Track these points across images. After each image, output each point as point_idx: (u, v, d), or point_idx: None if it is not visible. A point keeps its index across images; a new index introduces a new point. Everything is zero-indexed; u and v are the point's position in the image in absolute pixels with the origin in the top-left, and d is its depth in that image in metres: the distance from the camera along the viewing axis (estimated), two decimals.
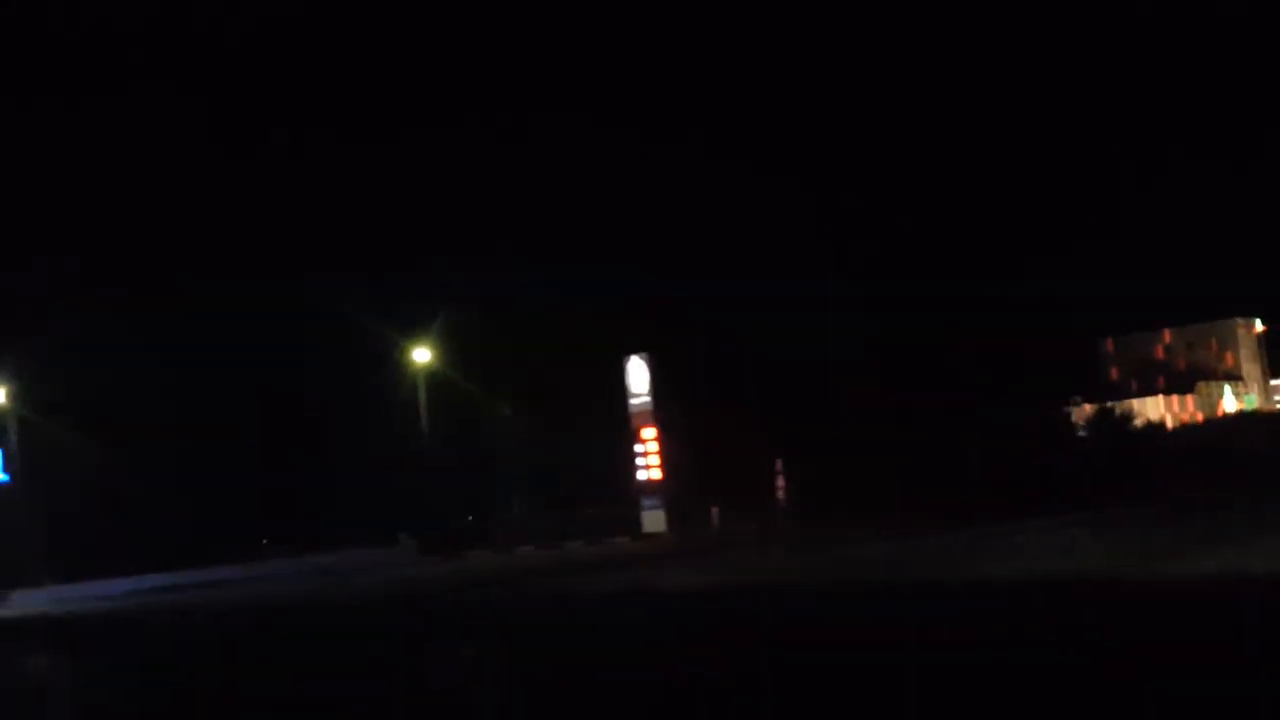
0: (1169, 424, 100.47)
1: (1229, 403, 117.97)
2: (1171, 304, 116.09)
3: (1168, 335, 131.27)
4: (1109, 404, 78.81)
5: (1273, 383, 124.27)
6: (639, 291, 38.02)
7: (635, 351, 35.80)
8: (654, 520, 35.10)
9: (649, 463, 35.60)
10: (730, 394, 37.16)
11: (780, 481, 36.45)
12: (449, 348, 33.67)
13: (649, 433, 35.51)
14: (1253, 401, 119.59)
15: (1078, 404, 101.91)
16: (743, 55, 67.99)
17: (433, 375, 33.75)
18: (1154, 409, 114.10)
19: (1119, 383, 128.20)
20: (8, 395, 46.86)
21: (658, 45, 61.44)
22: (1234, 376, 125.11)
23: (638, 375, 35.81)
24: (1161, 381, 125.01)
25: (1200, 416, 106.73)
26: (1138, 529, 27.76)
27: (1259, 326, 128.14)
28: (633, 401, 35.49)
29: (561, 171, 45.70)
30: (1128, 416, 73.19)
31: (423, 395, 33.70)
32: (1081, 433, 72.41)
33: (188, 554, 32.04)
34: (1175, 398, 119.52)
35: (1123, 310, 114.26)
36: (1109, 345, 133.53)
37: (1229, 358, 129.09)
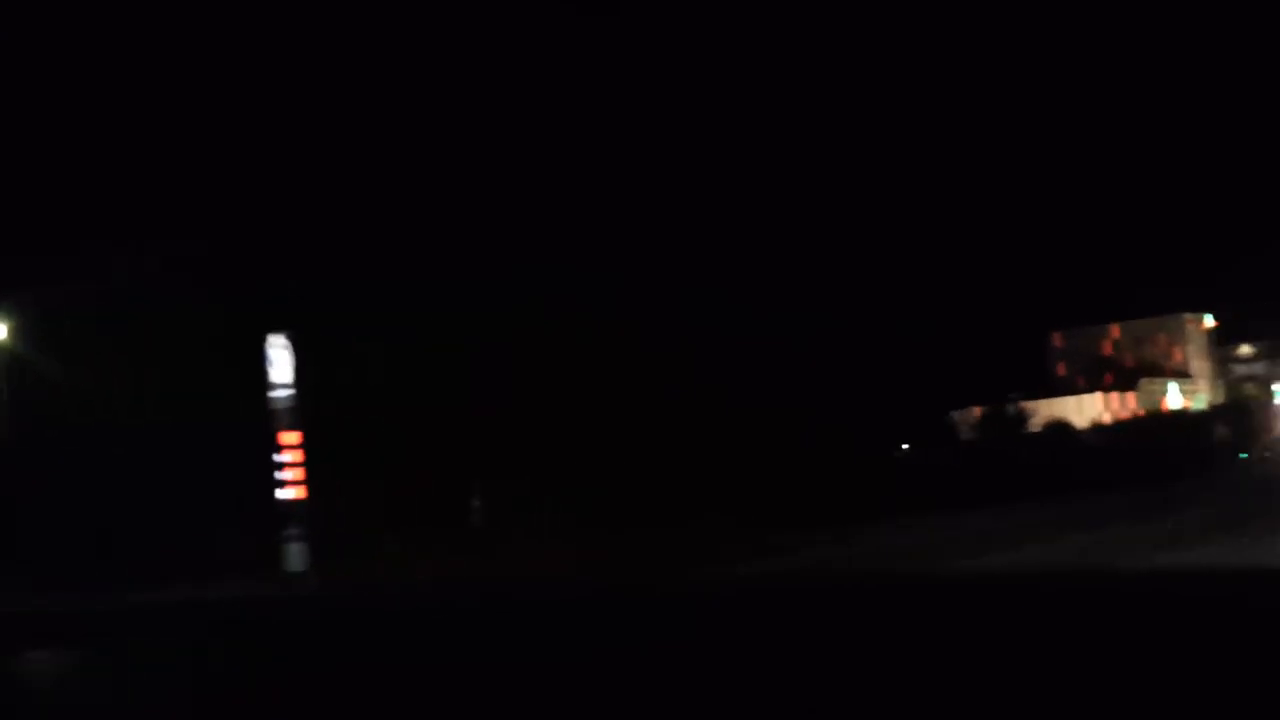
0: (1108, 421, 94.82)
1: (1174, 400, 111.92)
2: (1124, 298, 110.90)
3: (1115, 330, 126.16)
4: (1008, 404, 72.33)
5: None
6: (295, 261, 30.98)
7: (279, 330, 28.42)
8: (298, 555, 27.86)
9: (291, 478, 28.22)
10: (412, 388, 30.02)
11: (475, 503, 29.36)
12: (43, 330, 26.74)
13: (290, 438, 28.18)
14: (1202, 401, 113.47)
15: (1014, 401, 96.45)
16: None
17: (15, 363, 26.74)
18: (1091, 406, 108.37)
19: (1066, 378, 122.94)
20: None
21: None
22: (1182, 374, 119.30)
23: (280, 362, 28.51)
24: (1109, 378, 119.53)
25: (1142, 413, 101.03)
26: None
27: (1209, 322, 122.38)
28: (275, 397, 28.28)
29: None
30: (1021, 418, 66.70)
31: (3, 388, 26.73)
32: (970, 434, 66.01)
33: None
34: (1115, 395, 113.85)
35: (1073, 303, 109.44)
36: (1057, 340, 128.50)
37: (1177, 354, 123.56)
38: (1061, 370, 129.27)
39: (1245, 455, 77.04)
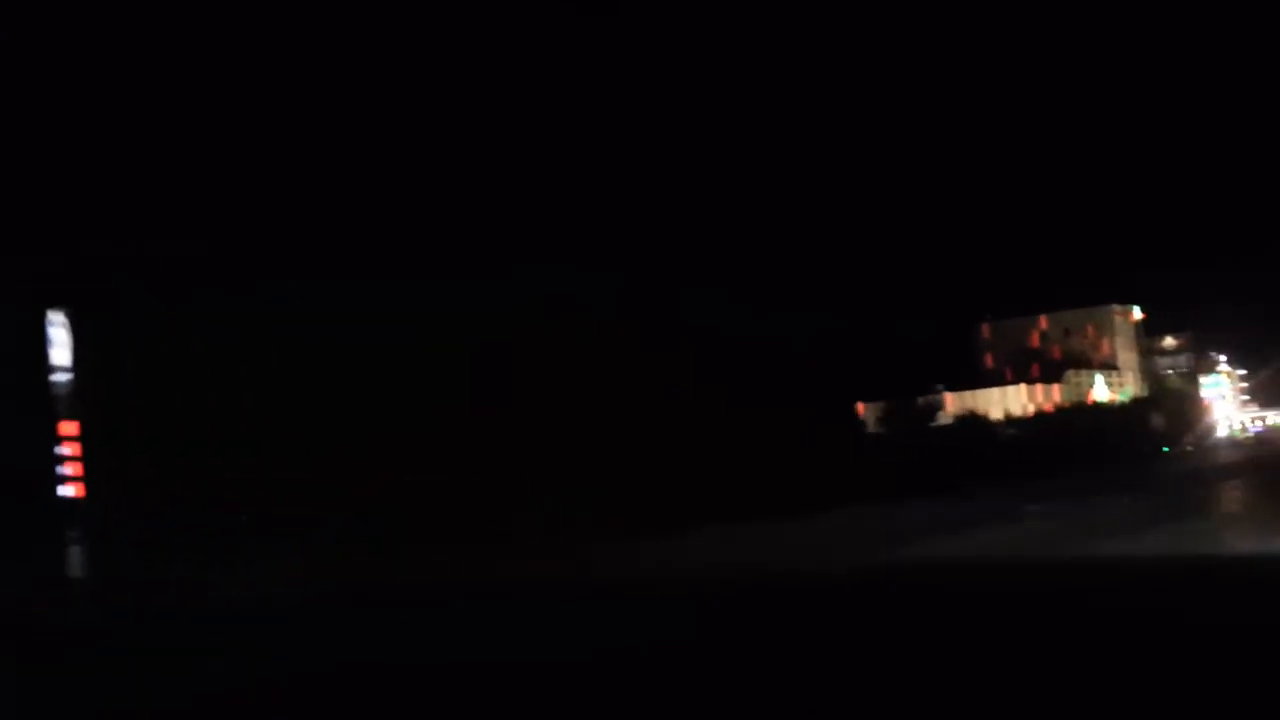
0: (1030, 414, 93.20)
1: (1100, 392, 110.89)
2: (1052, 290, 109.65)
3: (1044, 321, 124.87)
4: (920, 396, 69.99)
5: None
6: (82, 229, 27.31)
7: (59, 304, 24.82)
8: (75, 560, 24.47)
9: (70, 473, 24.74)
10: (225, 372, 26.69)
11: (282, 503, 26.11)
12: None
13: (69, 428, 24.71)
14: (1128, 393, 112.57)
15: (937, 392, 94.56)
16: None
17: None
18: (1015, 398, 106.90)
19: (994, 370, 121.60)
20: None
21: None
22: (1110, 365, 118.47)
23: (59, 341, 25.00)
24: (1036, 370, 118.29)
25: (1065, 405, 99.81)
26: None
27: (1137, 314, 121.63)
28: (55, 380, 24.87)
29: None
30: (930, 410, 64.28)
31: None
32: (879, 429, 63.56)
33: None
34: (1040, 387, 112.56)
35: (1002, 294, 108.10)
36: (985, 331, 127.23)
37: (1105, 345, 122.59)
38: (990, 361, 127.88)
39: (1167, 450, 75.51)
